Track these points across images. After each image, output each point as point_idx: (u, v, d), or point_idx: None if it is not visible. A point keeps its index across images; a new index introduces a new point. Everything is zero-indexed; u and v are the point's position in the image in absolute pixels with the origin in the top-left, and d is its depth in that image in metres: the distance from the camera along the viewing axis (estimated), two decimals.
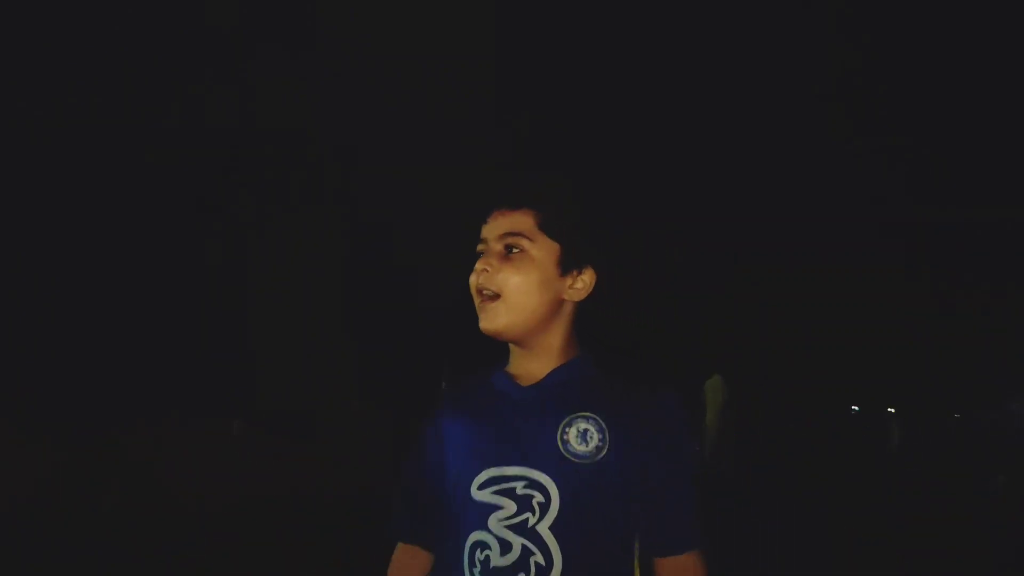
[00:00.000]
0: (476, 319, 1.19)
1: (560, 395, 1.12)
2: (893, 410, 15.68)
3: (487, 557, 1.05)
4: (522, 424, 1.11)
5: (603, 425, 1.07)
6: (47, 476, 8.27)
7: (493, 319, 1.13)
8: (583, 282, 1.17)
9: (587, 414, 1.08)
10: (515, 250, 1.14)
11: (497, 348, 1.24)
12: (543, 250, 1.14)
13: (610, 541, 1.06)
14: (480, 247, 1.17)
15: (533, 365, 1.17)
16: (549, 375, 1.15)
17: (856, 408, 17.40)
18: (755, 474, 6.51)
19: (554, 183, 1.23)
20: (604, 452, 1.06)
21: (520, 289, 1.13)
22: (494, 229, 1.16)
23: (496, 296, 1.13)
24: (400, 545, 1.21)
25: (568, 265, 1.16)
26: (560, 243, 1.15)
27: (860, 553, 3.93)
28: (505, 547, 1.04)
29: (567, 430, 1.08)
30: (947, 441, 13.91)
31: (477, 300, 1.16)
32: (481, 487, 1.08)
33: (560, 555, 1.02)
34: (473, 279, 1.17)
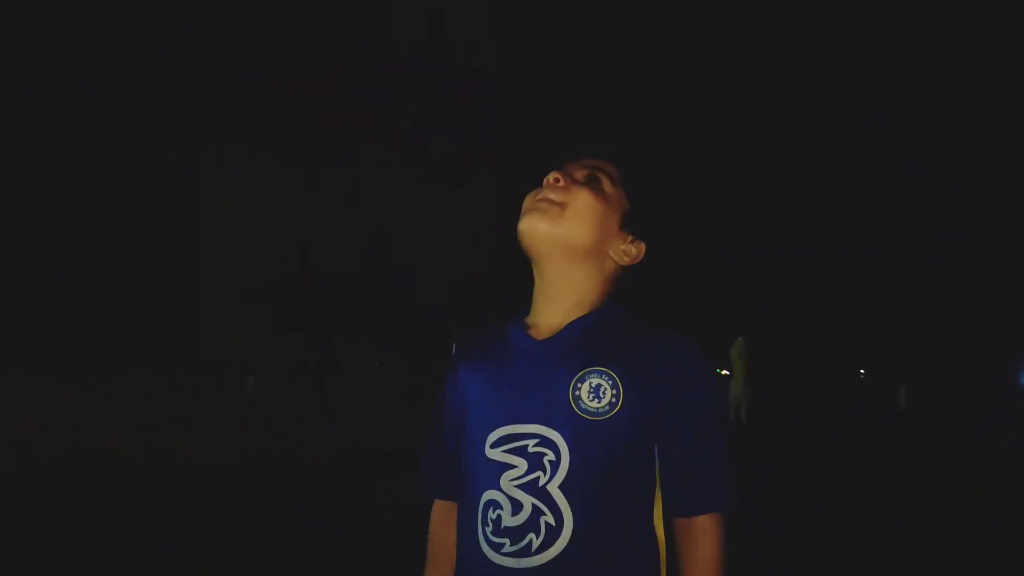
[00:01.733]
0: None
1: (574, 348, 1.07)
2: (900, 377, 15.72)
3: (499, 517, 1.01)
4: (535, 379, 1.06)
5: (617, 380, 1.02)
6: (56, 426, 8.45)
7: (543, 219, 1.09)
8: (632, 252, 1.14)
9: (601, 368, 1.04)
10: (595, 180, 1.13)
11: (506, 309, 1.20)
12: (617, 194, 1.14)
13: (624, 501, 1.01)
14: (552, 174, 1.13)
15: (555, 312, 1.12)
16: (567, 326, 1.11)
17: (864, 372, 17.44)
18: (756, 472, 6.51)
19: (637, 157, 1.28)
20: (618, 408, 1.01)
21: (586, 204, 1.10)
22: (577, 164, 1.15)
23: (559, 205, 1.10)
24: (436, 502, 1.20)
25: (628, 225, 1.14)
26: (632, 201, 1.14)
27: (860, 553, 3.94)
28: (516, 507, 1.01)
29: (579, 385, 1.03)
30: (951, 405, 13.97)
31: (530, 203, 1.12)
32: (494, 445, 1.04)
33: (571, 515, 0.99)
34: (535, 192, 1.13)
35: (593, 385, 1.03)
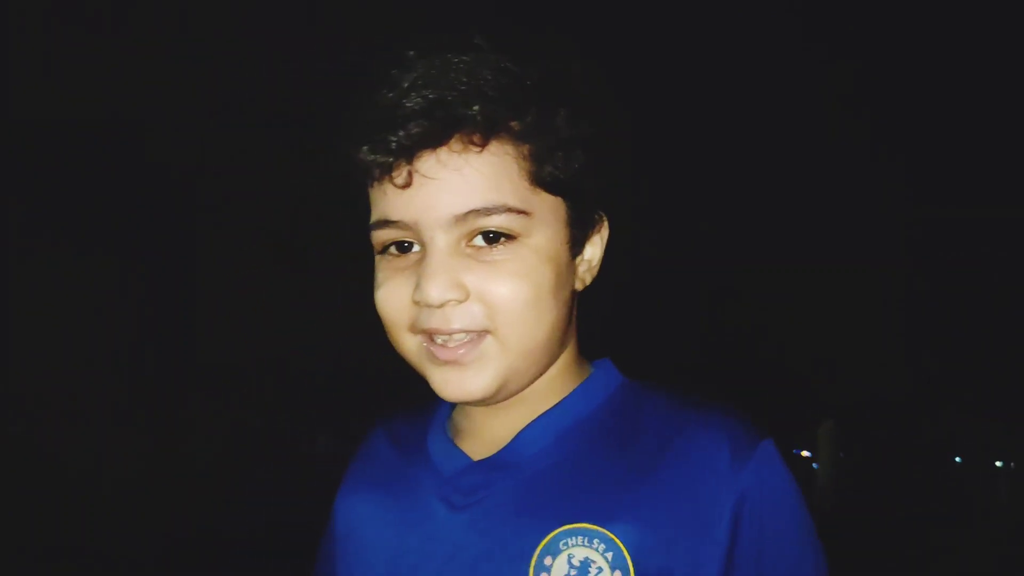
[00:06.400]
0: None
1: (541, 481, 0.63)
2: (1000, 464, 14.49)
3: None
4: (463, 544, 0.64)
5: (621, 548, 0.59)
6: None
7: (480, 376, 0.62)
8: (593, 249, 0.69)
9: (589, 527, 0.59)
10: (500, 239, 0.60)
11: None
12: (547, 222, 0.61)
13: None
14: (388, 234, 0.62)
15: (501, 415, 0.67)
16: (520, 437, 0.66)
17: (959, 459, 16.12)
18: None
19: (552, 69, 0.63)
20: None
21: (532, 308, 0.61)
22: (435, 203, 0.58)
23: (480, 334, 0.62)
24: None
25: (582, 230, 0.66)
26: (569, 197, 0.63)
27: None
28: None
29: (546, 559, 0.60)
30: None
31: (421, 348, 0.63)
32: None
33: None
34: (399, 294, 0.62)
35: (576, 561, 0.59)
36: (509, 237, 0.60)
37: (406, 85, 0.58)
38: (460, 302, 0.60)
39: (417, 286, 0.60)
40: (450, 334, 0.61)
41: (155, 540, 5.88)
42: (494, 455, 0.67)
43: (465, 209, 0.58)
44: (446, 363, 0.62)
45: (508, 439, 0.67)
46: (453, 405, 0.74)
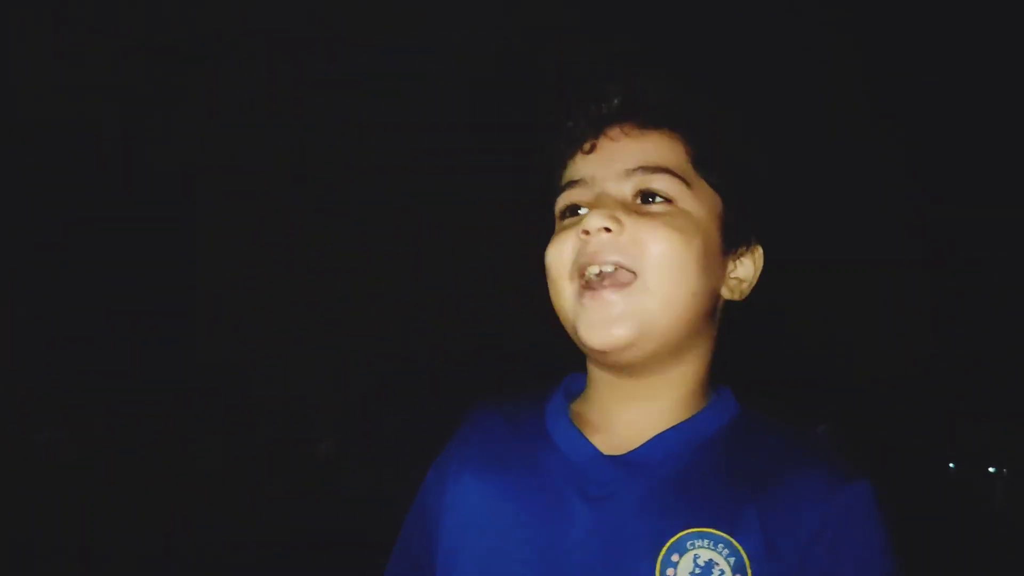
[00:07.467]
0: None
1: (669, 487, 0.69)
2: (993, 469, 14.53)
3: None
4: (595, 531, 0.68)
5: (742, 555, 0.65)
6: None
7: (622, 318, 0.67)
8: (746, 269, 0.76)
9: (715, 532, 0.66)
10: (659, 199, 0.71)
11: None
12: (704, 205, 0.71)
13: None
14: (570, 194, 0.73)
15: (631, 414, 0.73)
16: (654, 442, 0.72)
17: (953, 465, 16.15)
18: None
19: (713, 96, 0.75)
20: None
21: (677, 261, 0.68)
22: (613, 159, 0.71)
23: (628, 276, 0.68)
24: None
25: (735, 235, 0.74)
26: (724, 195, 0.73)
27: None
28: None
29: (674, 556, 0.65)
30: None
31: (576, 292, 0.70)
32: None
33: None
34: (565, 246, 0.70)
35: (701, 561, 0.65)
36: (668, 201, 0.70)
37: (605, 76, 0.73)
38: (616, 236, 0.69)
39: (583, 220, 0.70)
40: (602, 265, 0.69)
41: (158, 542, 5.88)
42: (629, 453, 0.72)
43: (634, 165, 0.71)
44: (595, 296, 0.69)
45: (637, 439, 0.73)
46: (574, 394, 0.79)
